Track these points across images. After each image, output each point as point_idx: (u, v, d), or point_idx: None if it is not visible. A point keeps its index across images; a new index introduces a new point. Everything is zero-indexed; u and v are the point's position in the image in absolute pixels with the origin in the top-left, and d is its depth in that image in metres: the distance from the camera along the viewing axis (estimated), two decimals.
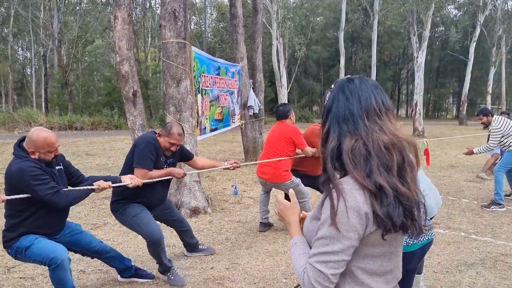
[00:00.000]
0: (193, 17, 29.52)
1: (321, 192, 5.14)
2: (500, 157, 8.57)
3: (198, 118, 6.47)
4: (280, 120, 4.94)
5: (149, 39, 28.11)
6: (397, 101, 45.62)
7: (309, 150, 4.82)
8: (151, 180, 3.52)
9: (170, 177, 3.72)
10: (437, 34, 36.87)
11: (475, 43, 26.17)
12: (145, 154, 3.49)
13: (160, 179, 3.61)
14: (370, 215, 1.18)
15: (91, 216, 5.70)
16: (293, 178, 4.83)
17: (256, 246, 4.57)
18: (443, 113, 45.58)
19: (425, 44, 18.10)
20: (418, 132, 17.74)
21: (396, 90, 44.55)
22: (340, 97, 1.31)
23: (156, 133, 3.69)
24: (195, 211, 5.70)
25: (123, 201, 3.57)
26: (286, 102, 5.37)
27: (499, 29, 27.27)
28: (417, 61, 18.21)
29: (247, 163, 6.55)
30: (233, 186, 7.25)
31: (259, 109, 10.02)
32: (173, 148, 3.66)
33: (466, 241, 4.73)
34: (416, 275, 3.46)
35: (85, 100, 24.33)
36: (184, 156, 3.96)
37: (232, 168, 4.06)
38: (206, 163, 4.12)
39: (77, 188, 3.15)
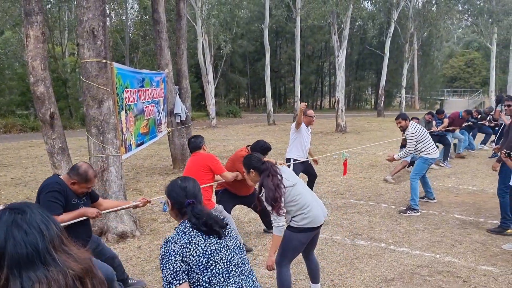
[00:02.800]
0: (113, 7, 28.18)
1: (254, 210, 5.18)
2: (409, 165, 9.25)
3: (122, 136, 6.25)
4: (194, 152, 5.00)
5: (66, 33, 26.43)
6: (320, 93, 47.19)
7: (229, 174, 4.88)
8: (65, 223, 3.42)
9: (84, 217, 3.61)
10: (355, 29, 38.48)
11: (390, 39, 27.74)
12: (49, 200, 3.39)
13: (74, 221, 3.50)
14: None
15: None
16: (216, 206, 4.86)
17: None
18: (363, 103, 47.96)
19: (345, 43, 18.84)
20: (340, 128, 18.50)
21: (320, 82, 46.01)
22: (17, 234, 1.06)
23: (59, 176, 3.61)
24: (122, 236, 5.54)
25: None
26: (197, 134, 5.36)
27: (411, 26, 29.13)
28: (338, 60, 18.91)
29: (157, 197, 6.41)
30: (161, 202, 7.11)
31: (186, 116, 9.89)
32: (87, 191, 3.63)
33: (386, 253, 5.05)
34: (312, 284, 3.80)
35: None
36: (92, 196, 3.81)
37: (142, 204, 4.00)
38: (110, 204, 4.05)
39: None
